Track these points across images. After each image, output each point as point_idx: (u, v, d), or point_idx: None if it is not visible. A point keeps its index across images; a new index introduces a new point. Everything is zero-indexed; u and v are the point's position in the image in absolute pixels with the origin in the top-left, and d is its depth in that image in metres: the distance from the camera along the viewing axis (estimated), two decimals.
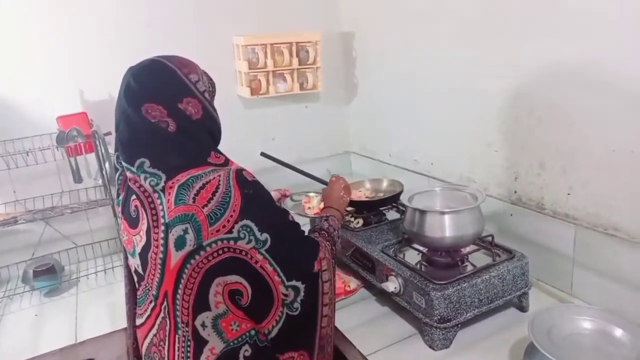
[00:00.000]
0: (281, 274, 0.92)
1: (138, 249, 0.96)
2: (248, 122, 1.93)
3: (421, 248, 1.28)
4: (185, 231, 0.88)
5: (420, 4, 1.61)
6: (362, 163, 2.13)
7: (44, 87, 1.57)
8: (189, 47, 1.75)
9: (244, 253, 0.89)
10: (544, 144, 1.29)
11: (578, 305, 1.21)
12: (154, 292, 0.95)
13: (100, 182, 1.57)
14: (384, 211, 1.58)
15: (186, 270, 0.89)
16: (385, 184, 1.64)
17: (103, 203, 1.56)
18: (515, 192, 1.41)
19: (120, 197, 1.03)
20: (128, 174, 0.95)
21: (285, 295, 0.93)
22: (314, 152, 2.10)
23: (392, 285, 1.20)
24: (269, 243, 0.90)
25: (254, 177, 0.96)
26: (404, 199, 1.28)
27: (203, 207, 0.88)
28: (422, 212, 1.21)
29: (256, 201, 0.92)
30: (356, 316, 1.25)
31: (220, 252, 0.88)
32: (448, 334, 1.11)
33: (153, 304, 0.96)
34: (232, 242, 0.88)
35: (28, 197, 1.60)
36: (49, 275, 1.51)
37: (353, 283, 1.38)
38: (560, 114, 1.24)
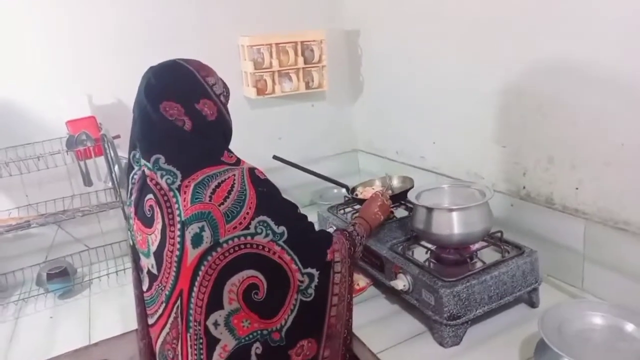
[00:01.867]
0: (298, 262, 0.96)
1: (153, 248, 0.98)
2: (254, 123, 1.94)
3: (430, 245, 1.28)
4: (202, 229, 0.90)
5: (425, 1, 1.60)
6: (369, 161, 2.13)
7: (53, 92, 1.59)
8: (195, 49, 1.76)
9: (261, 247, 0.93)
10: (551, 139, 1.29)
11: (589, 300, 1.21)
12: (167, 292, 0.97)
13: (110, 184, 1.58)
14: (392, 209, 1.57)
15: (202, 268, 0.91)
16: (395, 181, 1.64)
17: (113, 205, 1.58)
18: (524, 187, 1.40)
19: (133, 198, 1.04)
20: (145, 170, 0.97)
21: (301, 282, 0.97)
22: (321, 150, 2.10)
23: (401, 283, 1.20)
24: (286, 235, 0.94)
25: (265, 176, 1.00)
26: (411, 196, 1.28)
27: (219, 205, 0.91)
28: (430, 210, 1.21)
29: (270, 198, 0.97)
30: (365, 314, 1.25)
31: (237, 248, 0.91)
32: (458, 331, 1.11)
33: (165, 304, 0.98)
34: (249, 238, 0.91)
35: (40, 201, 1.62)
36: (62, 278, 1.53)
37: (362, 281, 1.39)
38: (567, 109, 1.23)
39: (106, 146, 1.49)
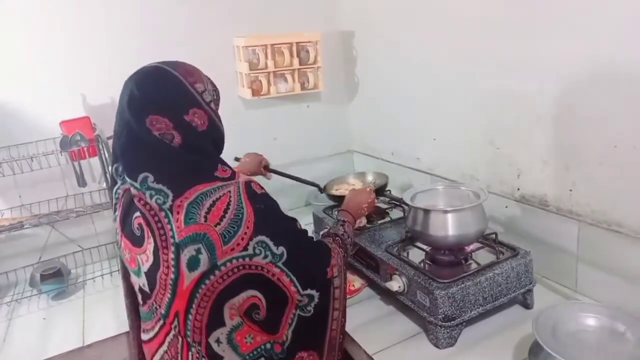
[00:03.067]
0: (297, 285, 0.92)
1: (144, 268, 0.93)
2: (250, 123, 1.94)
3: (425, 247, 1.28)
4: (198, 251, 0.85)
5: (420, 3, 1.60)
6: (364, 162, 2.13)
7: (47, 92, 1.58)
8: (189, 49, 1.77)
9: (260, 268, 0.88)
10: (545, 141, 1.29)
11: (583, 302, 1.21)
12: (162, 311, 0.93)
13: (104, 185, 1.58)
14: (387, 210, 1.58)
15: (199, 291, 0.87)
16: (370, 178, 1.62)
17: (107, 206, 1.57)
18: (518, 189, 1.41)
19: (118, 213, 0.97)
20: (132, 190, 0.90)
21: (300, 301, 0.94)
22: (316, 151, 2.11)
23: (396, 284, 1.20)
24: (285, 256, 0.90)
25: (263, 189, 0.95)
26: (406, 198, 1.29)
27: (215, 226, 0.85)
28: (425, 211, 1.21)
29: (269, 215, 0.92)
30: (361, 315, 1.26)
31: (235, 270, 0.87)
32: (453, 333, 1.11)
33: (162, 322, 0.94)
34: (247, 259, 0.87)
35: (33, 201, 1.61)
36: (55, 279, 1.52)
37: (357, 282, 1.39)
38: (561, 111, 1.23)
39: (100, 147, 1.48)
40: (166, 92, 0.91)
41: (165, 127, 0.89)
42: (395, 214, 1.56)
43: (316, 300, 0.95)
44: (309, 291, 0.94)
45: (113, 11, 1.64)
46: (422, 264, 1.24)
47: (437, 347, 1.11)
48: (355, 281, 1.39)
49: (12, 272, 1.60)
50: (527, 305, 1.23)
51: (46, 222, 1.53)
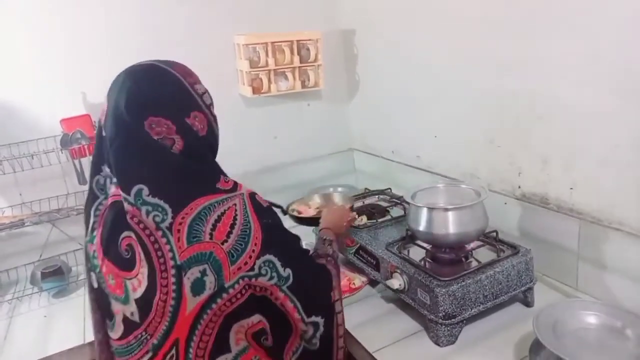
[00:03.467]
0: (301, 311, 0.86)
1: (135, 295, 0.82)
2: (250, 121, 1.94)
3: (425, 245, 1.28)
4: (204, 273, 0.77)
5: (421, 1, 1.60)
6: (365, 160, 2.13)
7: (47, 90, 1.58)
8: (190, 48, 1.76)
9: (264, 290, 0.82)
10: (546, 139, 1.29)
11: (583, 300, 1.21)
12: (155, 341, 0.81)
13: None
14: (387, 208, 1.58)
15: (205, 316, 0.79)
16: (337, 199, 1.58)
17: None
18: (519, 187, 1.41)
19: (97, 234, 0.86)
20: (126, 205, 0.80)
21: (305, 332, 0.88)
22: (316, 150, 2.10)
23: (396, 282, 1.20)
24: (291, 279, 0.84)
25: (267, 202, 0.89)
26: (407, 196, 1.29)
27: (222, 243, 0.78)
28: (426, 209, 1.21)
29: (276, 232, 0.86)
30: (361, 313, 1.26)
31: (243, 292, 0.80)
32: (453, 330, 1.11)
33: (151, 354, 0.83)
34: (253, 280, 0.81)
35: (34, 199, 1.61)
36: (56, 277, 1.53)
37: (358, 280, 1.39)
38: (562, 109, 1.23)
39: None
40: (167, 92, 0.83)
41: (166, 131, 0.81)
42: (396, 212, 1.56)
43: (321, 328, 0.89)
44: (313, 318, 0.88)
45: (113, 11, 1.63)
46: (422, 262, 1.24)
47: (438, 345, 1.11)
48: (355, 279, 1.39)
49: (13, 270, 1.60)
50: (527, 303, 1.23)
51: (47, 220, 1.53)
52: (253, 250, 0.80)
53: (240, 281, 0.80)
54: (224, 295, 0.79)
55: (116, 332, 0.87)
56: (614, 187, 1.16)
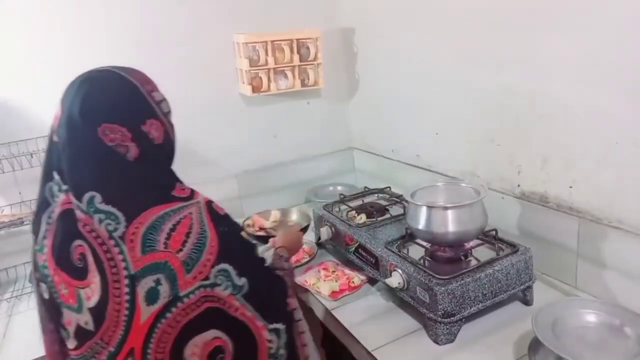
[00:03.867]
0: (261, 318, 0.85)
1: (89, 304, 0.79)
2: (250, 120, 1.93)
3: (424, 243, 1.28)
4: (157, 282, 0.76)
5: (420, 0, 1.60)
6: (365, 159, 2.13)
7: (46, 89, 1.57)
8: (189, 46, 1.76)
9: (221, 302, 0.81)
10: (545, 137, 1.29)
11: (582, 298, 1.21)
12: (111, 349, 0.80)
13: None
14: (387, 207, 1.58)
15: (159, 326, 0.78)
16: (294, 216, 1.58)
17: None
18: (519, 185, 1.41)
19: (47, 242, 0.83)
20: (78, 213, 0.78)
21: (270, 342, 0.86)
22: (316, 148, 2.10)
23: (396, 280, 1.20)
24: (246, 288, 0.83)
25: (224, 210, 0.88)
26: (406, 194, 1.28)
27: (177, 252, 0.77)
28: (425, 208, 1.21)
29: (232, 240, 0.85)
30: (360, 312, 1.26)
31: (199, 303, 0.79)
32: (452, 329, 1.11)
33: None
34: (209, 289, 0.79)
35: (33, 198, 1.58)
36: None
37: (357, 279, 1.39)
38: (561, 108, 1.23)
39: None
40: (122, 99, 0.82)
41: (120, 138, 0.79)
42: (395, 210, 1.56)
43: (284, 336, 0.88)
44: (275, 325, 0.87)
45: (113, 11, 1.63)
46: (421, 261, 1.24)
47: (437, 343, 1.11)
48: (354, 278, 1.39)
49: (12, 269, 1.60)
50: (526, 302, 1.23)
51: None
52: (208, 259, 0.79)
53: (196, 292, 0.79)
54: (179, 304, 0.78)
55: (71, 343, 0.85)
56: (613, 185, 1.16)
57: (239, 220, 1.38)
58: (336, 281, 1.37)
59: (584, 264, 1.25)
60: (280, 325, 0.88)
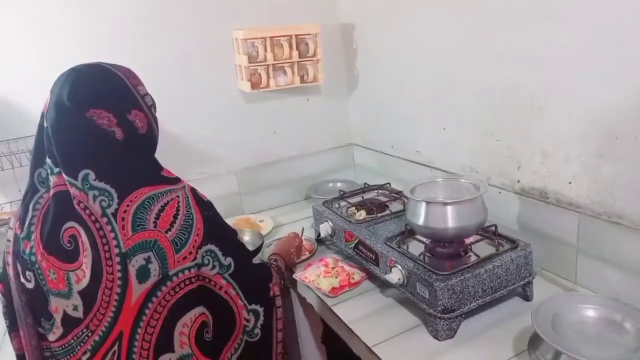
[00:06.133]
0: (243, 298, 0.90)
1: (79, 287, 0.82)
2: (249, 117, 1.93)
3: (424, 239, 1.28)
4: (148, 260, 0.79)
5: None
6: (364, 155, 2.13)
7: (46, 86, 1.57)
8: (188, 42, 1.76)
9: (207, 280, 0.85)
10: (545, 132, 1.29)
11: (582, 293, 1.21)
12: (96, 338, 0.82)
13: None
14: (386, 203, 1.58)
15: (150, 305, 0.81)
16: (246, 237, 1.57)
17: None
18: (518, 181, 1.41)
19: (34, 228, 0.84)
20: (73, 190, 0.81)
21: (247, 321, 0.91)
22: (316, 145, 2.10)
23: (395, 276, 1.20)
24: (232, 267, 0.87)
25: (206, 197, 0.92)
26: (406, 190, 1.28)
27: (166, 232, 0.81)
28: (425, 204, 1.21)
29: (216, 224, 0.89)
30: (360, 308, 1.26)
31: (187, 282, 0.82)
32: (452, 324, 1.11)
33: (90, 354, 0.83)
34: (195, 270, 0.83)
35: None
36: None
37: (357, 275, 1.39)
38: (561, 103, 1.23)
39: None
40: (109, 88, 0.87)
41: (107, 123, 0.83)
42: (395, 206, 1.56)
43: (261, 318, 0.93)
44: (254, 306, 0.92)
45: (112, 7, 1.62)
46: (421, 256, 1.24)
47: (437, 339, 1.12)
48: (354, 274, 1.39)
49: None
50: (526, 297, 1.23)
51: None
52: (195, 240, 0.83)
53: (186, 272, 0.82)
54: (168, 283, 0.81)
55: (54, 333, 0.86)
56: (613, 180, 1.16)
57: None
58: (336, 277, 1.37)
59: (583, 260, 1.25)
60: (259, 308, 0.93)
